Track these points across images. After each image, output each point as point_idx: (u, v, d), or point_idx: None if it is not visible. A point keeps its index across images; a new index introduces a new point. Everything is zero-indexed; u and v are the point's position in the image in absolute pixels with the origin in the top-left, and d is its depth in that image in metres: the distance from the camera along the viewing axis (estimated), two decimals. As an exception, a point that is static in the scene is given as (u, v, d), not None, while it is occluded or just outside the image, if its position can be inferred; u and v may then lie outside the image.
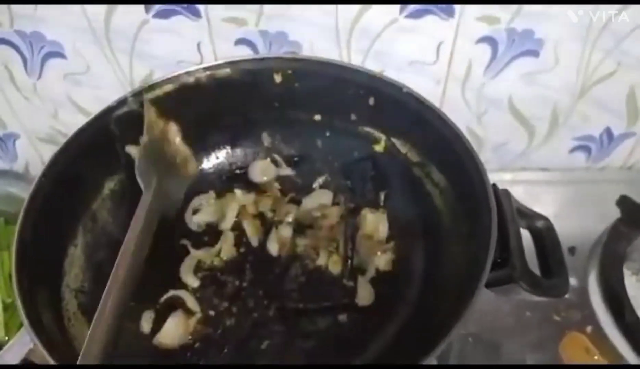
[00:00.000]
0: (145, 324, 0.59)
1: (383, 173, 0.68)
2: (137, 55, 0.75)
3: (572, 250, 0.72)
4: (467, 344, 0.65)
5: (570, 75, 0.74)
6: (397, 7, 0.68)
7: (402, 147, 0.66)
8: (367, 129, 0.68)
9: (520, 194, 0.59)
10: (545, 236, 0.57)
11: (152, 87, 0.64)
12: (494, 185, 0.55)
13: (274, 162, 0.72)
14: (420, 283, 0.60)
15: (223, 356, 0.58)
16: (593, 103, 0.77)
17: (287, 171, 0.72)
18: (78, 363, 0.43)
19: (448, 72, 0.75)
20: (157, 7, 0.69)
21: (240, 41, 0.73)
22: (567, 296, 0.53)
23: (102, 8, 0.70)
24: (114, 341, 0.45)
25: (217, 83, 0.66)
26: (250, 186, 0.71)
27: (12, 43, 0.75)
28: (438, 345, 0.44)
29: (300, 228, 0.67)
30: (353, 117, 0.68)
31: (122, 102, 0.63)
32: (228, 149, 0.73)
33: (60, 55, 0.76)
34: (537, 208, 0.59)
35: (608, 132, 0.81)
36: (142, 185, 0.59)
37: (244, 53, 0.73)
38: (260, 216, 0.69)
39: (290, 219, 0.68)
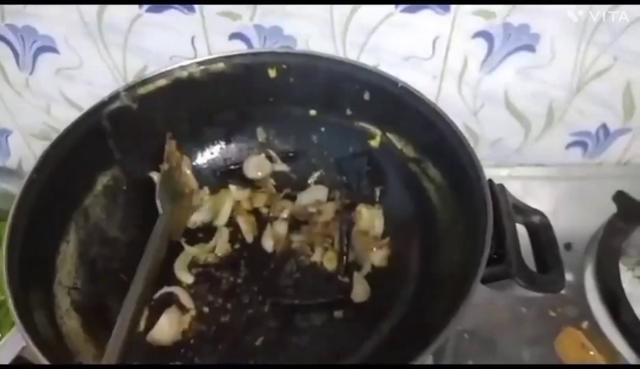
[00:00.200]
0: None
1: (379, 169, 0.68)
2: (130, 50, 0.75)
3: (568, 246, 0.72)
4: (463, 340, 0.65)
5: (566, 70, 0.74)
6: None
7: (397, 143, 0.66)
8: (363, 124, 0.68)
9: (516, 190, 0.59)
10: (541, 231, 0.57)
11: (145, 82, 0.63)
12: (490, 181, 0.55)
13: (269, 157, 0.72)
14: (416, 279, 0.60)
15: (217, 352, 0.58)
16: (589, 98, 0.77)
17: (282, 166, 0.72)
18: None
19: (444, 67, 0.75)
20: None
21: (235, 35, 0.72)
22: (563, 291, 0.52)
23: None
24: (127, 351, 0.49)
25: (211, 78, 0.65)
26: (245, 182, 0.71)
27: (4, 37, 0.74)
28: (434, 341, 0.44)
29: (295, 224, 0.67)
30: (348, 112, 0.67)
31: (114, 97, 0.62)
32: (222, 144, 0.72)
33: (52, 49, 0.75)
34: (533, 204, 0.59)
35: (604, 127, 0.81)
36: (160, 209, 0.61)
37: (238, 48, 0.73)
38: (255, 212, 0.69)
39: (285, 215, 0.67)
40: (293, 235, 0.66)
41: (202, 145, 0.71)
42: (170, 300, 0.61)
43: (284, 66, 0.65)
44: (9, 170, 0.94)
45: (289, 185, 0.71)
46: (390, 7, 0.68)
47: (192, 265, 0.64)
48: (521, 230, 0.56)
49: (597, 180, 0.83)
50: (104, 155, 0.63)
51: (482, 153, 0.83)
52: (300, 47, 0.73)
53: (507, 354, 0.63)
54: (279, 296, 0.61)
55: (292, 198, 0.69)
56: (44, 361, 0.44)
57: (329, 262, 0.64)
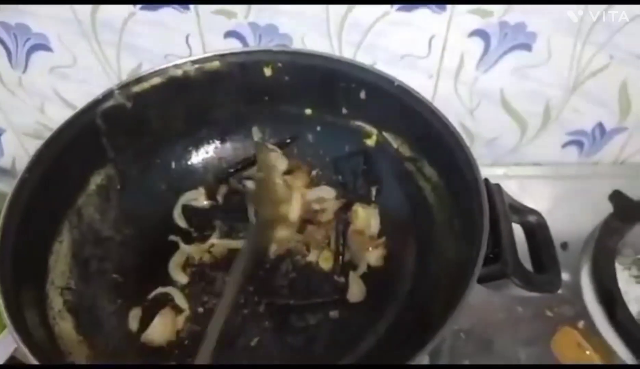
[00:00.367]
0: (133, 322, 0.58)
1: (374, 168, 0.68)
2: (124, 48, 0.74)
3: (564, 245, 0.72)
4: (459, 340, 0.65)
5: (562, 69, 0.73)
6: (388, -1, 0.67)
7: (393, 142, 0.66)
8: (359, 123, 0.67)
9: (513, 189, 0.59)
10: (537, 231, 0.57)
11: (139, 80, 0.63)
12: (486, 180, 0.54)
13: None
14: (412, 279, 0.60)
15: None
16: (585, 97, 0.77)
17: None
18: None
19: (440, 65, 0.74)
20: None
21: (230, 34, 0.72)
22: (559, 291, 0.52)
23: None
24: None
25: (206, 77, 0.65)
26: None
27: (-4, 35, 0.74)
28: (430, 341, 0.44)
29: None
30: (344, 111, 0.67)
31: (108, 95, 0.61)
32: (217, 143, 0.72)
33: (45, 47, 0.75)
34: (529, 203, 0.59)
35: (600, 126, 0.81)
36: (252, 218, 0.63)
37: (234, 46, 0.72)
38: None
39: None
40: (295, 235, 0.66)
41: (197, 144, 0.71)
42: (164, 301, 0.60)
43: (280, 65, 0.65)
44: (2, 169, 0.93)
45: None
46: (386, 6, 0.68)
47: (186, 265, 0.64)
48: (517, 229, 0.56)
49: (593, 180, 0.83)
50: (97, 154, 0.63)
51: (478, 152, 0.82)
52: (296, 45, 0.72)
53: (503, 354, 0.63)
54: (274, 296, 0.61)
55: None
56: (35, 362, 0.43)
57: (325, 262, 0.64)
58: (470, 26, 0.69)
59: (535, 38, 0.70)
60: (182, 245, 0.64)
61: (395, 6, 0.68)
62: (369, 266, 0.63)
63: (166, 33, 0.72)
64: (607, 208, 0.70)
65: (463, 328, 0.65)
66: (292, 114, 0.69)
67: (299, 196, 0.67)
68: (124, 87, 0.62)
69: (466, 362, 0.63)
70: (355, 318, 0.59)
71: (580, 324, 0.64)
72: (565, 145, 0.84)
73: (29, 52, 0.75)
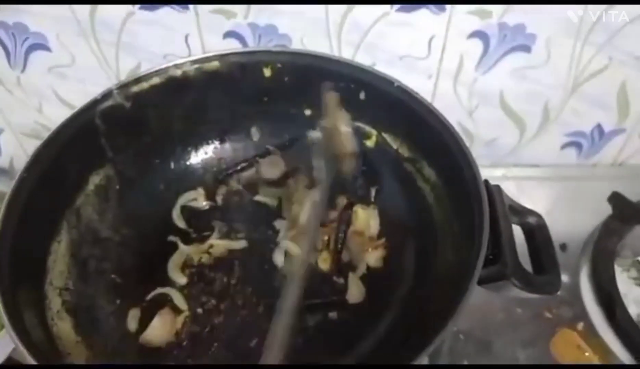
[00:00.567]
0: (132, 323, 0.58)
1: (374, 169, 0.68)
2: (123, 48, 0.74)
3: (563, 247, 0.72)
4: (458, 341, 0.65)
5: (561, 70, 0.74)
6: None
7: (393, 142, 0.66)
8: (358, 124, 0.67)
9: (511, 190, 0.59)
10: (537, 232, 0.57)
11: (138, 80, 0.63)
12: (486, 181, 0.54)
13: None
14: (412, 280, 0.60)
15: (211, 354, 0.57)
16: (584, 99, 0.77)
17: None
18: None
19: (439, 66, 0.74)
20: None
21: (229, 34, 0.72)
22: (558, 293, 0.52)
23: (87, -1, 0.69)
24: None
25: (206, 77, 0.65)
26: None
27: (-5, 35, 0.73)
28: (430, 343, 0.43)
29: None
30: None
31: (107, 95, 0.61)
32: (216, 144, 0.72)
33: (44, 47, 0.74)
34: (528, 205, 0.59)
35: (599, 128, 0.81)
36: (319, 169, 0.60)
37: (233, 46, 0.72)
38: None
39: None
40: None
41: (196, 144, 0.71)
42: (163, 301, 0.60)
43: (279, 65, 0.65)
44: (0, 169, 0.93)
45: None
46: (385, 7, 0.68)
47: (186, 265, 0.63)
48: (517, 230, 0.55)
49: (592, 181, 0.83)
50: (96, 154, 0.63)
51: (477, 153, 0.82)
52: (295, 46, 0.72)
53: (502, 355, 0.63)
54: (273, 297, 0.61)
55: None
56: (33, 362, 0.43)
57: (324, 263, 0.63)
58: (469, 27, 0.69)
59: (535, 39, 0.70)
60: (181, 246, 0.64)
61: (395, 7, 0.68)
62: (368, 268, 0.63)
63: (165, 33, 0.71)
64: (606, 210, 0.70)
65: (462, 329, 0.65)
66: (291, 115, 0.69)
67: (310, 198, 0.66)
68: (123, 87, 0.62)
69: (465, 363, 0.63)
70: (354, 320, 0.59)
71: (580, 325, 0.64)
72: (564, 146, 0.84)
73: (28, 52, 0.75)
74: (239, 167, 0.71)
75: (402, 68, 0.74)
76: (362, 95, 0.64)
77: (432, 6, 0.67)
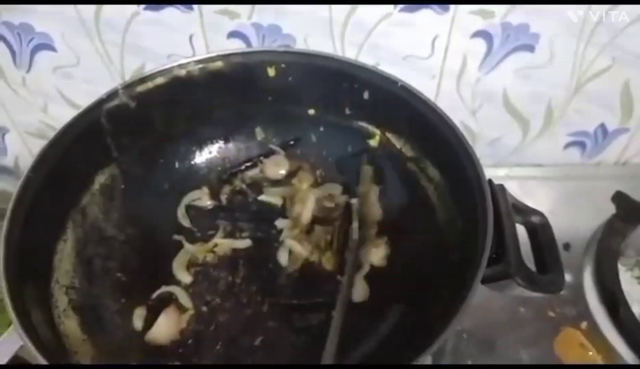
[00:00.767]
0: (137, 321, 0.58)
1: (377, 168, 0.68)
2: (128, 48, 0.74)
3: (566, 246, 0.72)
4: (462, 340, 0.65)
5: (565, 70, 0.74)
6: None
7: (396, 142, 0.66)
8: (362, 124, 0.67)
9: (515, 190, 0.59)
10: (540, 232, 0.57)
11: (143, 80, 0.63)
12: (490, 181, 0.54)
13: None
14: (415, 279, 0.60)
15: (216, 352, 0.57)
16: (588, 98, 0.77)
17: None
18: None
19: (443, 66, 0.74)
20: (148, -1, 0.68)
21: (233, 34, 0.72)
22: (562, 292, 0.52)
23: (92, -1, 0.69)
24: None
25: (210, 77, 0.65)
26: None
27: (0, 35, 0.74)
28: (434, 342, 0.44)
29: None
30: (347, 111, 0.67)
31: (113, 94, 0.61)
32: (221, 144, 0.72)
33: (49, 47, 0.75)
34: (531, 204, 0.59)
35: (602, 127, 0.81)
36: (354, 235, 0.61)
37: (237, 46, 0.73)
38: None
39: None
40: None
41: (201, 144, 0.71)
42: (168, 300, 0.60)
43: (283, 65, 0.65)
44: (5, 169, 0.93)
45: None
46: (389, 7, 0.68)
47: (190, 264, 0.64)
48: (520, 230, 0.56)
49: (596, 180, 0.83)
50: (101, 153, 0.63)
51: (480, 152, 0.82)
52: (299, 46, 0.73)
53: (506, 355, 0.63)
54: (277, 295, 0.61)
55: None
56: (42, 361, 0.43)
57: (328, 262, 0.64)
58: (472, 27, 0.70)
59: (538, 39, 0.70)
60: (186, 245, 0.65)
61: (398, 7, 0.68)
62: (372, 266, 0.63)
63: (170, 33, 0.72)
64: (610, 209, 0.70)
65: (465, 329, 0.65)
66: (295, 114, 0.69)
67: (312, 197, 0.67)
68: (128, 86, 0.62)
69: (469, 362, 0.63)
70: (358, 318, 0.59)
71: (583, 324, 0.64)
72: (567, 146, 0.84)
73: (33, 52, 0.76)
74: (243, 167, 0.71)
75: (405, 68, 0.74)
76: (365, 95, 0.64)
77: (435, 6, 0.68)
